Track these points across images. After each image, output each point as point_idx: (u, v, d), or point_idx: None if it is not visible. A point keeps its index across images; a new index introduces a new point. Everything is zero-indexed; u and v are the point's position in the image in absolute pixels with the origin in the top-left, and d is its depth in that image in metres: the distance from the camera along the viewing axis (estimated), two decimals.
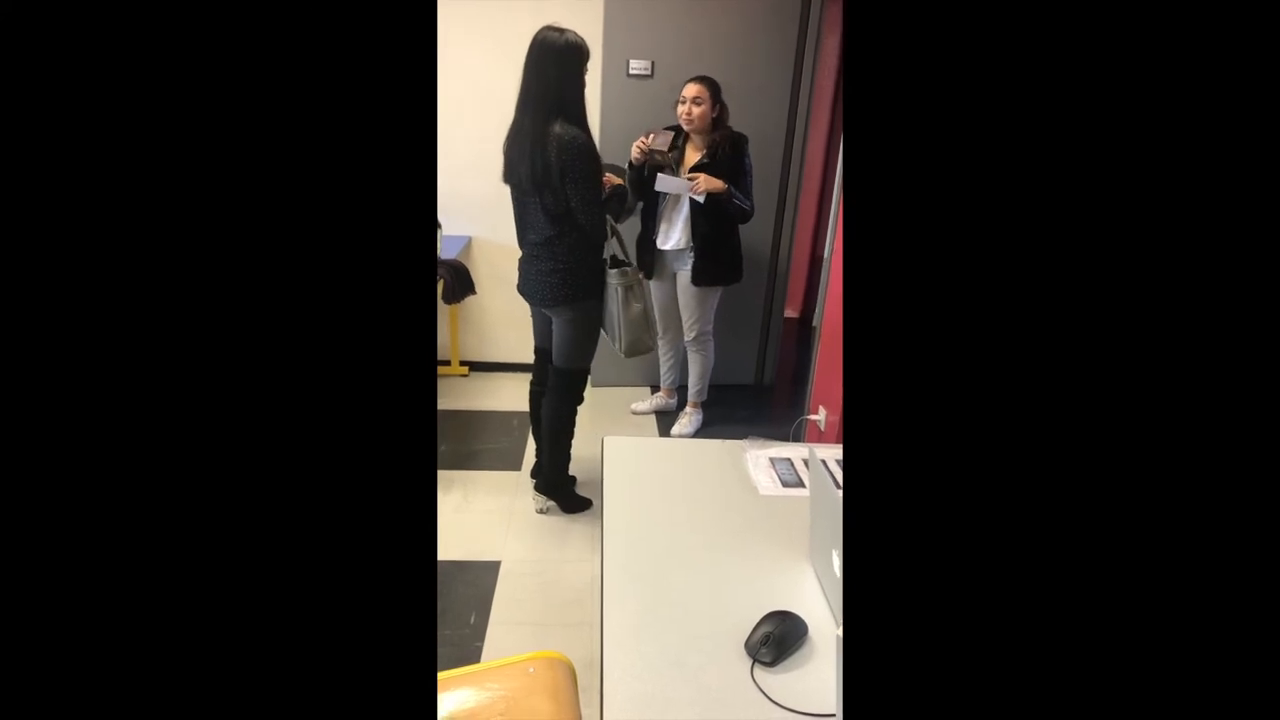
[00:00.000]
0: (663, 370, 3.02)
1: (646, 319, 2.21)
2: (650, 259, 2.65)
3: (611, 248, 2.15)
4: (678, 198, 2.51)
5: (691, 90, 2.39)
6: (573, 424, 2.24)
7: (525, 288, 2.11)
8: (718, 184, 2.38)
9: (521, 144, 1.90)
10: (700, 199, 2.40)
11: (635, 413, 3.02)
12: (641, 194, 2.53)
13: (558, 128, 1.85)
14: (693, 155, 2.48)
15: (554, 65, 1.84)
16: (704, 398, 2.88)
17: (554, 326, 2.12)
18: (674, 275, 2.69)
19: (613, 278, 2.12)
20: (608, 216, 2.07)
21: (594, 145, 1.93)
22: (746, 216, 2.50)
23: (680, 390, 3.00)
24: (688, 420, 2.88)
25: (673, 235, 2.57)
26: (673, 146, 2.48)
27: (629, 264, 2.18)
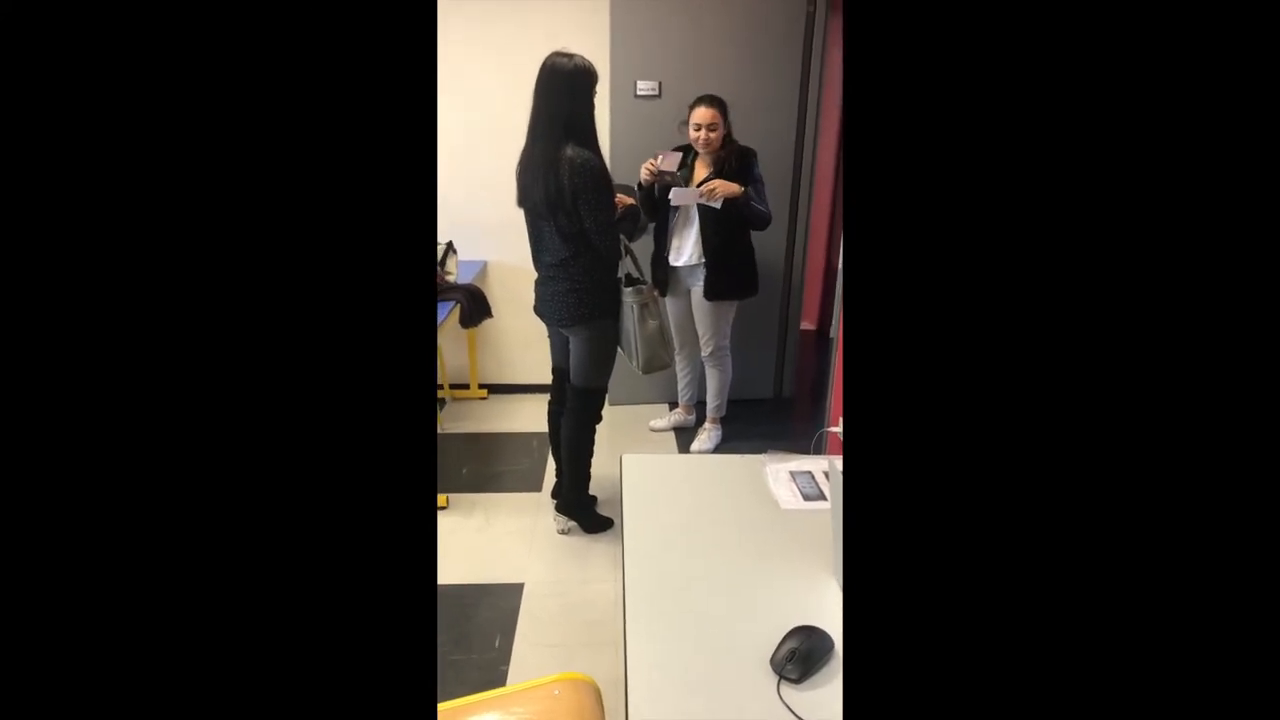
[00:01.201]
0: (680, 386, 3.02)
1: (663, 335, 2.22)
2: (664, 276, 2.66)
3: (625, 266, 2.17)
4: (688, 213, 2.52)
5: (705, 116, 2.39)
6: (592, 443, 2.24)
7: (542, 308, 2.13)
8: (733, 187, 2.37)
9: (534, 168, 1.92)
10: (717, 205, 2.39)
11: (654, 430, 3.01)
12: (653, 213, 2.55)
13: (569, 151, 1.87)
14: (701, 171, 2.50)
15: (564, 90, 1.87)
16: (723, 413, 2.88)
17: (571, 346, 2.13)
18: (688, 291, 2.69)
19: (628, 295, 2.13)
20: (621, 236, 2.08)
21: (605, 167, 1.95)
22: (764, 220, 2.47)
23: (699, 406, 2.99)
24: (707, 436, 2.87)
25: (684, 251, 2.58)
26: (681, 165, 2.50)
27: (643, 281, 2.19)
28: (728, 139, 2.46)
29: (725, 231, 2.49)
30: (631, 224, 2.19)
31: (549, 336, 2.25)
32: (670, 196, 2.42)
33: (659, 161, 2.41)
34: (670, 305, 2.75)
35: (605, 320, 2.09)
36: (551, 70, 1.88)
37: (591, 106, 1.93)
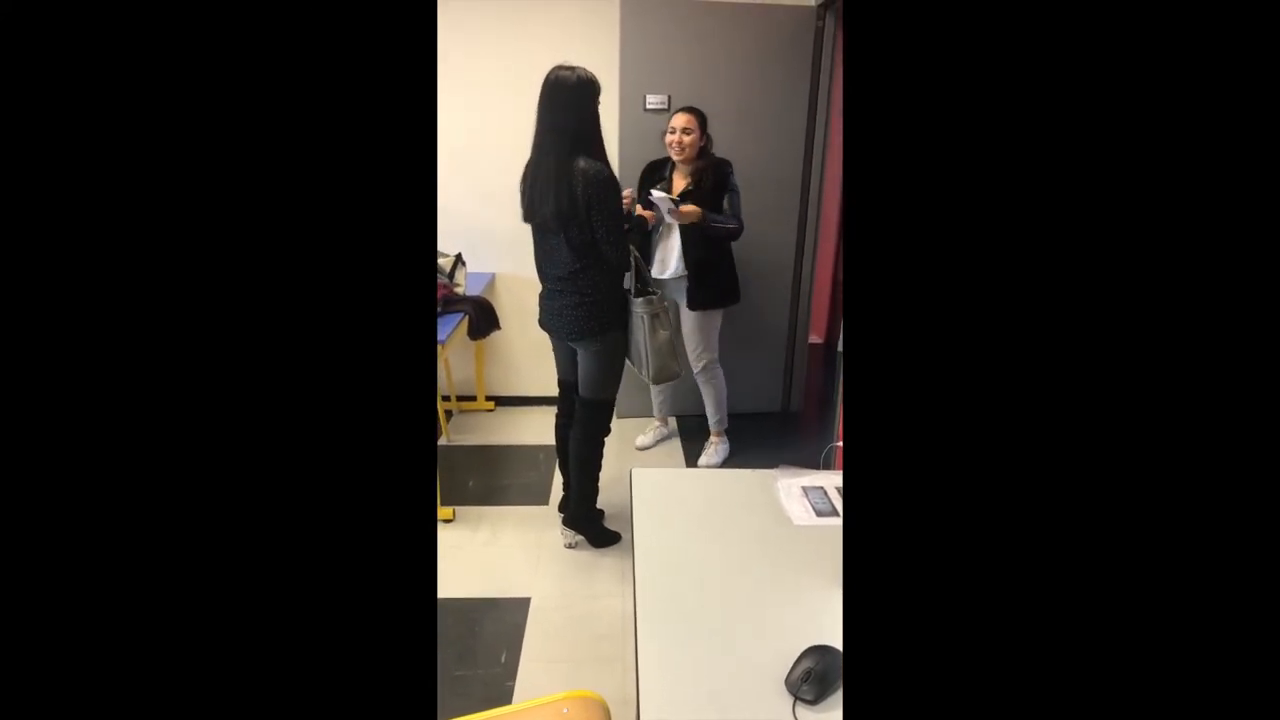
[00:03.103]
0: (658, 402, 3.00)
1: (673, 346, 2.21)
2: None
3: (629, 278, 2.16)
4: (671, 228, 2.52)
5: (681, 120, 2.42)
6: (600, 456, 2.23)
7: (549, 322, 2.12)
8: (694, 214, 2.37)
9: (544, 182, 1.92)
10: (677, 221, 2.39)
11: (640, 449, 2.97)
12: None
13: (582, 163, 1.87)
14: (679, 183, 2.51)
15: (570, 103, 1.87)
16: (725, 425, 2.85)
17: (580, 359, 2.12)
18: (674, 304, 2.68)
19: (638, 306, 2.13)
20: (631, 246, 2.08)
21: (615, 178, 1.95)
22: (735, 234, 2.47)
23: (691, 419, 2.95)
24: (714, 450, 2.85)
25: (669, 264, 2.58)
26: (660, 176, 2.51)
27: (654, 292, 2.19)
28: (705, 151, 2.47)
29: (704, 243, 2.49)
30: (640, 233, 2.17)
31: (554, 349, 2.24)
32: (653, 195, 2.40)
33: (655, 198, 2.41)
34: None
35: (615, 333, 2.08)
36: (556, 84, 1.88)
37: (597, 117, 1.93)
